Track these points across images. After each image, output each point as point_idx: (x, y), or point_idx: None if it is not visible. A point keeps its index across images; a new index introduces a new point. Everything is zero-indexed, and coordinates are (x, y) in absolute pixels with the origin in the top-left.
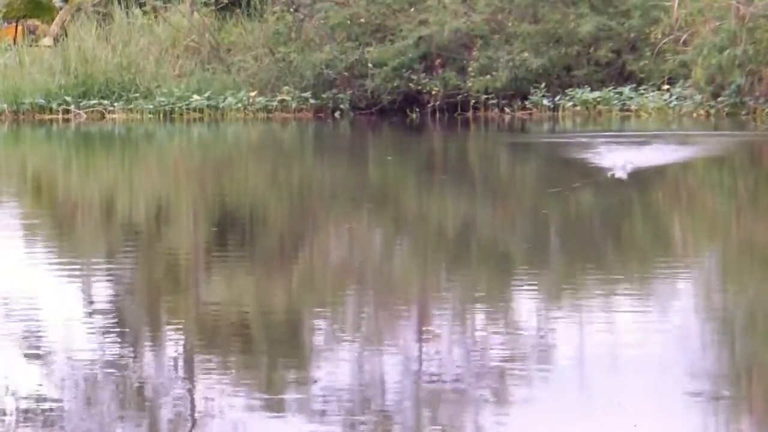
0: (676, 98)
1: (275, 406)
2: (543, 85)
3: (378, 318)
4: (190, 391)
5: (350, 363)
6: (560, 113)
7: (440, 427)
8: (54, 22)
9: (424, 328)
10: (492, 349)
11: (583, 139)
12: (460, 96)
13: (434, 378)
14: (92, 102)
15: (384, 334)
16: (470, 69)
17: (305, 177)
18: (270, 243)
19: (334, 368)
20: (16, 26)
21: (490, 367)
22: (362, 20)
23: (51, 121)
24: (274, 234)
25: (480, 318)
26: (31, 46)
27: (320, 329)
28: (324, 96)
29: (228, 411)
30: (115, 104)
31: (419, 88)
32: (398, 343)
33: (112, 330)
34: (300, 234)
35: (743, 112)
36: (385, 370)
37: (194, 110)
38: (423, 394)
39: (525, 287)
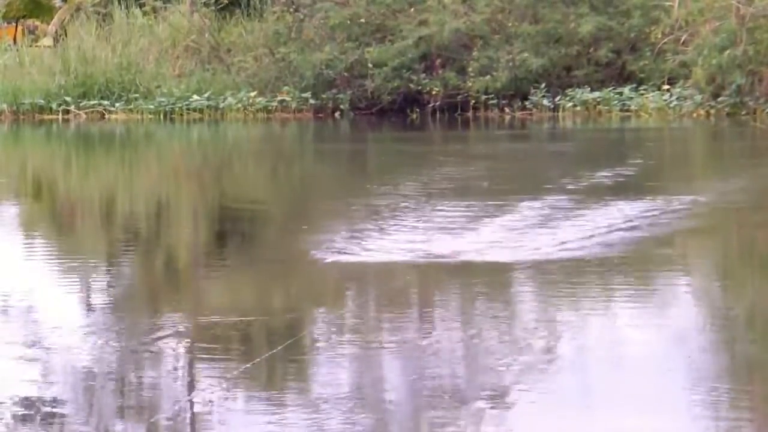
0: (677, 98)
1: (273, 403)
2: (543, 85)
3: None
4: (189, 391)
5: None
6: (560, 113)
7: None
8: (52, 22)
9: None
10: None
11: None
12: (460, 96)
13: None
14: (92, 102)
15: None
16: (470, 69)
17: (297, 178)
18: (258, 241)
19: None
20: (16, 26)
21: None
22: (362, 20)
23: (51, 121)
24: (265, 232)
25: None
26: (30, 46)
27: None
28: (324, 96)
29: (227, 411)
30: (115, 104)
31: (419, 88)
32: None
33: (110, 329)
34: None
35: (743, 113)
36: None
37: (194, 110)
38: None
39: None
